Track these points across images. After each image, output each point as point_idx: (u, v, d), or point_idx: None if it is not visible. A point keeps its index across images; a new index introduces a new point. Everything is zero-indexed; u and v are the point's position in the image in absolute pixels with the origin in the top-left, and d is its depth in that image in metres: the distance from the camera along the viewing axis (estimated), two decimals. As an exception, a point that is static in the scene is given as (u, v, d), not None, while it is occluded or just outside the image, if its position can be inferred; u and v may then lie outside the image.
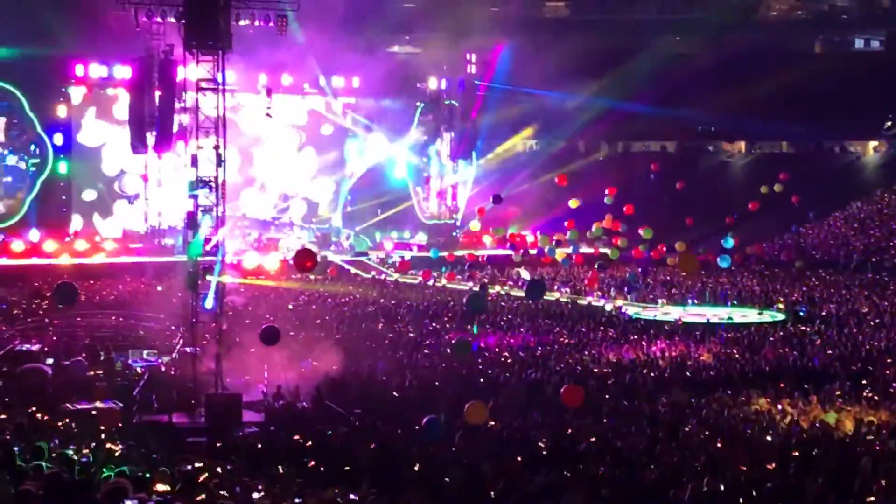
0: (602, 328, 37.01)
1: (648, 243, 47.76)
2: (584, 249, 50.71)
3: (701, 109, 63.92)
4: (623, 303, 43.92)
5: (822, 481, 16.69)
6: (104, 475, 12.68)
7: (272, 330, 26.72)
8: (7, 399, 24.21)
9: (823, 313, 40.23)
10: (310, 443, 20.97)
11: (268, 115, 54.09)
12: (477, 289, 43.47)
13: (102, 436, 20.23)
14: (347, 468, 18.36)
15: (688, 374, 29.25)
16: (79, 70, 53.05)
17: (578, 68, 58.77)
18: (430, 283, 47.98)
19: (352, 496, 14.99)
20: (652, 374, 29.05)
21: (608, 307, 42.22)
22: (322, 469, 18.59)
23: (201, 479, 13.77)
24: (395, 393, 26.67)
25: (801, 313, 40.20)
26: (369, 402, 25.55)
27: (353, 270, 51.30)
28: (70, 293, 28.73)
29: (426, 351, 32.63)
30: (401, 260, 52.91)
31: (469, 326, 35.76)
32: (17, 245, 48.78)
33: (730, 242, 44.66)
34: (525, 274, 49.52)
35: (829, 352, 31.92)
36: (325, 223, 59.43)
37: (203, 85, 29.99)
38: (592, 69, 59.33)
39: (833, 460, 18.50)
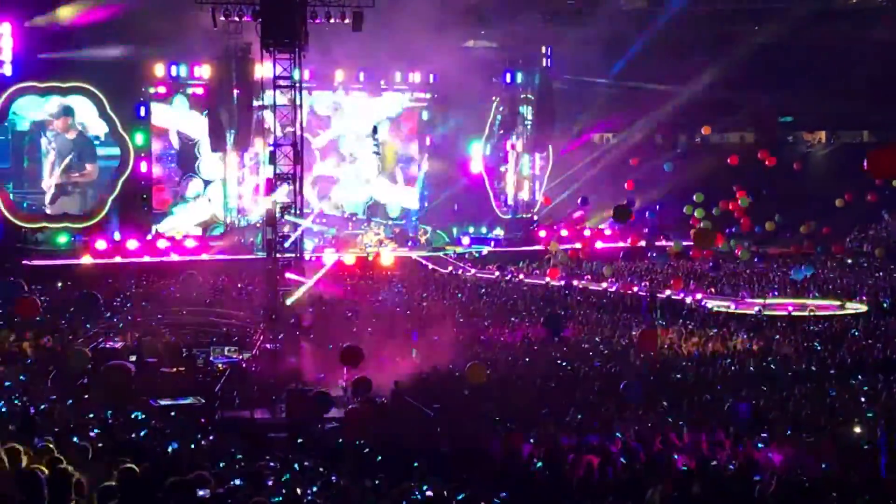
0: (682, 321, 36.80)
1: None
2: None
3: (780, 99, 63.16)
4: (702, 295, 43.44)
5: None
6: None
7: (354, 351, 26.60)
8: (92, 396, 24.55)
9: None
10: (388, 437, 21.01)
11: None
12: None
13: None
14: (425, 463, 18.34)
15: (770, 367, 28.91)
16: (158, 70, 53.47)
17: (656, 60, 58.30)
18: (508, 277, 47.83)
19: (428, 492, 14.93)
20: (733, 368, 28.77)
21: (688, 300, 41.77)
22: (399, 463, 18.60)
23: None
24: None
25: (885, 304, 39.55)
26: (447, 398, 25.52)
27: (430, 266, 51.39)
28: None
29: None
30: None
31: None
32: (101, 244, 49.50)
33: (801, 274, 44.02)
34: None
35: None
36: (402, 219, 59.52)
37: (280, 83, 30.31)
38: (670, 60, 58.77)
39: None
